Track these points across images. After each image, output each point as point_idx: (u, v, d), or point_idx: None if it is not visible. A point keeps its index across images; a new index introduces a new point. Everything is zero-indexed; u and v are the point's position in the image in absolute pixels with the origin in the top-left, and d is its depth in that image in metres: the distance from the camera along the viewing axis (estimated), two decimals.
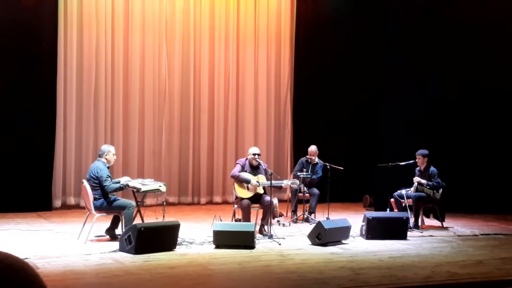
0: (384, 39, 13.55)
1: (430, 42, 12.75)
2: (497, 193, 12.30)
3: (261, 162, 9.42)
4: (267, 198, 9.07)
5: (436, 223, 10.42)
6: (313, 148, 11.07)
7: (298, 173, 10.55)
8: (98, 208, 8.25)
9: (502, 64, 12.32)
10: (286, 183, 9.55)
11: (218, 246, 8.02)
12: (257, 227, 8.90)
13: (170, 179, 12.58)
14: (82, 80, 12.11)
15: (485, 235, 9.60)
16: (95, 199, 8.25)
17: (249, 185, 9.10)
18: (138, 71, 12.59)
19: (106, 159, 8.44)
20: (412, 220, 9.84)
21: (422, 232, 9.64)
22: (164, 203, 9.08)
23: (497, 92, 12.43)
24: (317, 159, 10.91)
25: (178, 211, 11.53)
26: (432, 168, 10.30)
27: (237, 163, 9.51)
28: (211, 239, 8.14)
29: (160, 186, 8.70)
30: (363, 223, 9.09)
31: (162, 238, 7.78)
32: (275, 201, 10.09)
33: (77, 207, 11.64)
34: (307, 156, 11.04)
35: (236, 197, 9.27)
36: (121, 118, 12.44)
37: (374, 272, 6.79)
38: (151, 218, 8.95)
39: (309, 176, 10.56)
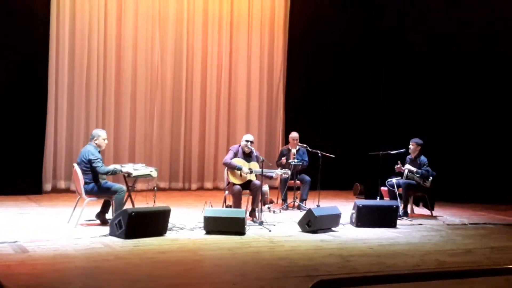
0: (379, 27, 13.56)
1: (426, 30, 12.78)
2: (486, 182, 12.38)
3: (253, 149, 9.42)
4: (257, 182, 9.08)
5: (426, 211, 10.48)
6: (294, 135, 10.96)
7: (290, 161, 10.53)
8: (88, 192, 8.23)
9: (500, 54, 12.30)
10: (277, 172, 9.55)
11: (208, 232, 8.03)
12: (248, 214, 8.92)
13: (161, 164, 12.57)
14: (74, 64, 12.03)
15: (474, 224, 9.66)
16: (85, 183, 8.22)
17: (241, 172, 9.10)
18: (130, 56, 12.52)
19: (96, 143, 8.41)
20: (401, 208, 9.90)
21: (411, 221, 9.69)
22: (155, 188, 9.07)
23: (491, 84, 12.45)
24: (298, 146, 10.83)
25: (169, 196, 11.53)
26: (422, 157, 10.35)
27: (230, 150, 9.51)
28: (202, 225, 8.15)
29: (151, 171, 8.68)
30: (353, 211, 9.12)
31: (153, 223, 7.78)
32: (266, 188, 10.09)
33: (67, 191, 11.62)
34: (287, 146, 10.99)
35: (228, 183, 9.28)
36: (112, 103, 12.39)
37: (363, 260, 6.83)
38: (142, 203, 8.93)
39: (300, 163, 10.55)
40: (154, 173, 8.73)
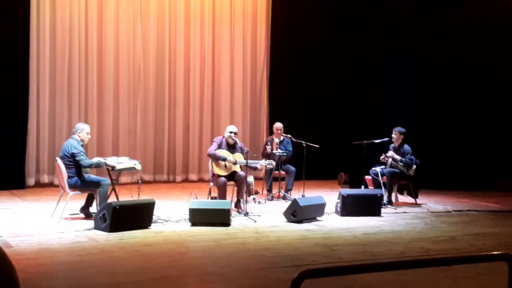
0: (365, 16, 13.53)
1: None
2: (470, 170, 12.48)
3: (237, 140, 9.40)
4: (242, 173, 9.08)
5: (410, 199, 10.54)
6: (278, 125, 10.93)
7: (274, 151, 10.53)
8: (72, 186, 8.17)
9: (483, 48, 12.35)
10: (262, 163, 9.54)
11: (194, 223, 8.02)
12: (233, 205, 8.92)
13: (145, 157, 12.52)
14: (55, 58, 11.92)
15: (458, 211, 9.74)
16: (69, 177, 8.16)
17: (226, 162, 9.09)
18: (112, 50, 12.43)
19: (79, 137, 8.34)
20: (385, 196, 9.95)
21: (396, 209, 9.75)
22: (139, 181, 9.02)
23: (474, 74, 12.53)
24: (282, 136, 10.82)
25: (154, 189, 11.49)
26: (406, 146, 10.40)
27: (214, 141, 9.49)
28: (187, 217, 8.14)
29: (135, 164, 8.64)
30: (338, 200, 9.15)
31: (137, 216, 7.75)
32: (251, 179, 10.09)
33: (51, 185, 11.54)
34: (271, 136, 10.98)
35: (213, 175, 9.26)
36: (95, 96, 12.30)
37: (348, 249, 6.86)
38: (126, 196, 8.90)
39: (285, 154, 10.55)
40: (138, 166, 8.70)
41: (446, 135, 12.71)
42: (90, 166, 8.31)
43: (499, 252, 3.46)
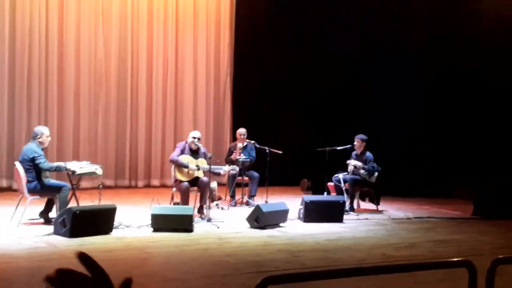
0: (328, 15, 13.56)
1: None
2: (430, 177, 12.67)
3: (200, 145, 9.35)
4: (205, 179, 9.04)
5: (372, 206, 10.64)
6: (241, 131, 10.90)
7: (237, 157, 10.50)
8: (31, 191, 8.01)
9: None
10: (225, 169, 9.51)
11: (156, 229, 7.93)
12: (196, 211, 8.86)
13: (107, 162, 12.36)
14: (14, 59, 11.71)
15: (418, 218, 9.86)
16: (28, 181, 8.00)
17: (188, 169, 9.04)
18: (73, 53, 12.26)
19: (39, 141, 8.18)
20: (348, 203, 10.02)
21: (358, 215, 9.82)
22: (101, 186, 8.90)
23: (435, 79, 12.73)
24: (246, 142, 10.82)
25: (115, 194, 11.34)
26: (368, 153, 10.50)
27: (177, 147, 9.43)
28: (149, 222, 8.05)
29: (96, 169, 8.52)
30: (301, 207, 9.18)
31: (98, 221, 7.63)
32: (214, 184, 10.04)
33: (9, 189, 11.29)
34: (235, 142, 10.96)
35: (175, 180, 9.19)
36: (55, 99, 12.11)
37: (311, 255, 6.88)
38: (87, 201, 8.76)
39: (248, 160, 10.55)
40: (99, 171, 8.58)
41: (404, 138, 12.86)
42: (50, 169, 8.16)
43: (460, 259, 3.51)
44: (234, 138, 11.93)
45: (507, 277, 4.04)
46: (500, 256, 3.47)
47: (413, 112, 12.85)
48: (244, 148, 10.74)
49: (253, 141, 10.76)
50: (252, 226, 8.40)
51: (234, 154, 10.63)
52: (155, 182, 13.04)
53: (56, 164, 8.29)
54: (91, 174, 8.69)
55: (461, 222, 9.76)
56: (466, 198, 11.18)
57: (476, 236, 8.52)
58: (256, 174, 10.67)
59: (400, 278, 5.29)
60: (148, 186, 12.91)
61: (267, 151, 10.48)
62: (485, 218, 9.95)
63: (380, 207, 10.59)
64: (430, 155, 12.78)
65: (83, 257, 0.99)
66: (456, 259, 3.57)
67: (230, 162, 10.42)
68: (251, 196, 10.61)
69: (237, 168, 9.86)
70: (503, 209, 10.06)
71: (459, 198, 12.03)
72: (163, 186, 12.84)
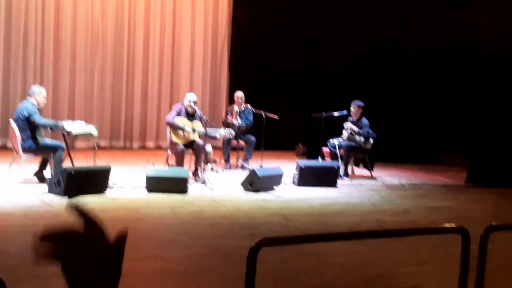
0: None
1: None
2: (424, 144, 12.70)
3: (197, 109, 9.32)
4: (200, 142, 9.03)
5: (366, 172, 10.67)
6: (239, 94, 10.84)
7: (234, 122, 10.46)
8: (26, 150, 7.98)
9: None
10: (221, 132, 9.49)
11: (150, 191, 7.94)
12: (190, 173, 8.87)
13: (102, 122, 12.31)
14: (10, 20, 11.56)
15: (412, 185, 9.91)
16: (23, 140, 7.96)
17: (184, 131, 9.01)
18: (70, 12, 12.11)
19: (36, 100, 8.11)
20: (342, 169, 10.05)
21: (351, 181, 9.86)
22: (95, 146, 8.88)
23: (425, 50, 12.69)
24: (243, 106, 10.77)
25: (110, 155, 11.30)
26: (364, 120, 10.48)
27: (173, 108, 9.38)
28: (144, 184, 8.05)
29: (91, 130, 8.49)
30: (296, 172, 9.20)
31: (93, 182, 7.63)
32: (209, 148, 10.03)
33: (4, 148, 11.26)
34: (233, 105, 10.89)
35: (171, 142, 9.17)
36: (51, 59, 12.00)
37: (304, 219, 6.91)
38: (82, 161, 8.75)
39: (244, 125, 10.51)
40: (94, 132, 8.54)
41: (400, 106, 12.85)
42: (46, 125, 8.12)
43: (455, 226, 3.53)
44: (231, 101, 11.87)
45: (499, 244, 4.07)
46: (494, 223, 3.49)
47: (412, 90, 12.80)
48: (242, 112, 10.69)
49: (249, 105, 10.70)
50: (247, 190, 8.43)
51: (229, 117, 10.58)
52: (150, 143, 13.02)
53: (52, 121, 8.24)
54: (86, 135, 8.66)
55: (454, 189, 9.82)
56: (460, 165, 11.24)
57: (469, 203, 8.59)
58: (253, 138, 10.64)
59: (393, 243, 5.34)
60: (143, 147, 12.90)
61: (263, 115, 10.44)
62: (478, 186, 10.02)
63: (374, 174, 10.62)
64: (425, 123, 12.78)
65: (76, 208, 0.96)
66: (450, 226, 3.59)
67: (226, 125, 10.39)
68: (246, 160, 10.61)
69: (233, 132, 9.83)
70: (496, 177, 10.12)
71: (452, 165, 12.09)
72: (158, 148, 12.82)
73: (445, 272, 4.75)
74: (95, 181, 7.67)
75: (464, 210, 7.99)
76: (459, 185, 10.22)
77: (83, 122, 8.77)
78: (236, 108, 10.72)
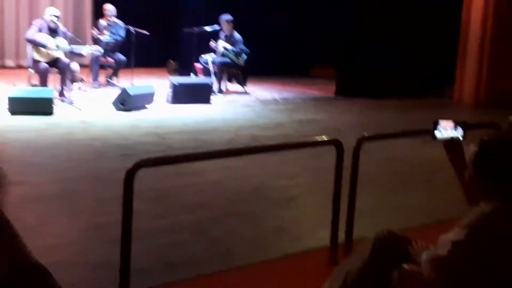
0: None
1: None
2: (294, 58, 12.88)
3: (60, 24, 8.72)
4: (65, 60, 8.52)
5: (239, 88, 10.67)
6: (108, 7, 10.13)
7: (101, 38, 9.90)
8: None
9: None
10: (87, 50, 8.98)
11: (13, 113, 7.45)
12: (56, 93, 8.40)
13: None
14: None
15: (284, 99, 10.06)
16: None
17: (47, 49, 8.43)
18: None
19: None
20: (216, 85, 9.97)
21: (225, 97, 9.83)
22: None
23: None
24: (113, 20, 10.17)
25: None
26: (236, 35, 10.36)
27: (33, 24, 8.71)
28: (6, 106, 7.53)
29: None
30: (170, 89, 9.00)
31: None
32: (76, 66, 9.48)
33: None
34: (101, 19, 10.25)
35: (33, 61, 8.56)
36: None
37: (179, 137, 6.81)
38: None
39: (113, 41, 9.98)
40: None
41: (271, 23, 12.84)
42: None
43: (328, 138, 3.59)
44: (97, 16, 11.19)
45: (370, 153, 4.22)
46: (365, 134, 3.58)
47: None
48: (111, 27, 10.07)
49: (120, 21, 10.10)
50: (118, 109, 8.13)
51: (94, 32, 9.96)
52: (10, 62, 12.21)
53: None
54: None
55: (325, 101, 10.10)
56: (329, 77, 11.53)
57: (339, 115, 8.87)
58: (123, 58, 10.03)
59: (268, 157, 5.40)
60: (2, 67, 12.05)
61: (133, 31, 9.94)
62: (346, 98, 10.36)
63: (247, 89, 10.64)
64: (294, 35, 12.90)
65: None
66: (325, 138, 3.64)
67: (94, 41, 9.83)
68: (112, 76, 10.10)
69: (101, 49, 9.33)
70: (364, 88, 10.49)
71: (321, 77, 12.39)
72: (19, 67, 12.02)
73: (319, 183, 4.89)
74: None
75: (335, 122, 8.22)
76: (329, 97, 10.52)
77: None
78: (103, 22, 10.11)
